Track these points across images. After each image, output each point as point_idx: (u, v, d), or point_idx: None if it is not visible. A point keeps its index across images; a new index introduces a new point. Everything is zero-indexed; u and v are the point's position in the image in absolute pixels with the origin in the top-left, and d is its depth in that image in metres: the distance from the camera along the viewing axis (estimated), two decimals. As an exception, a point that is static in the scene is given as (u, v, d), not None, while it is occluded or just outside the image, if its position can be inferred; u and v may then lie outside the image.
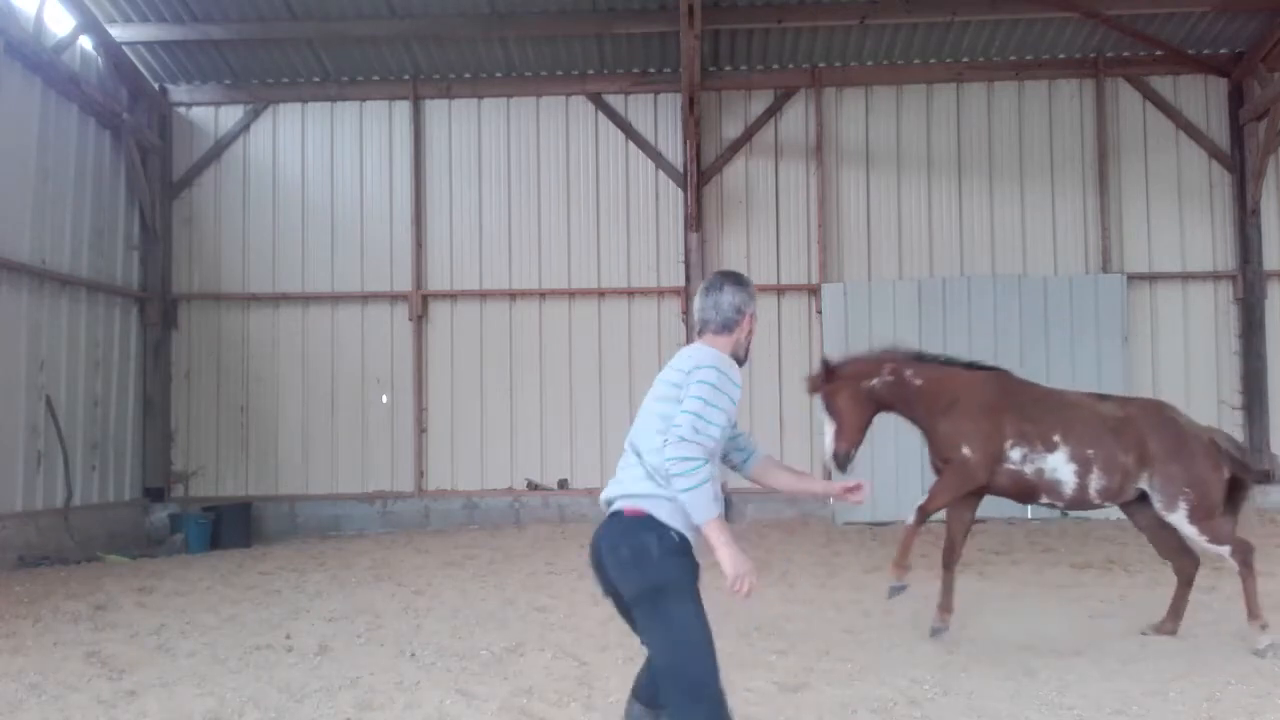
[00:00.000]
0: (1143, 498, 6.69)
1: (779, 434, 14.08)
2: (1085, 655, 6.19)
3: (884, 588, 8.36)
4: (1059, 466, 6.60)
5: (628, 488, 3.47)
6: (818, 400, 6.79)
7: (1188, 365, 13.87)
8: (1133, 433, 6.64)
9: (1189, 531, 6.55)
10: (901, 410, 6.96)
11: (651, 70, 14.38)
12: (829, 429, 6.70)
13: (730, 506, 13.76)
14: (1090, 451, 6.58)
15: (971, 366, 7.10)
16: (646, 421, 3.51)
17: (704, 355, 3.51)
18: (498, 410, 14.25)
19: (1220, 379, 13.86)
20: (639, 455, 3.48)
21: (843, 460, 6.55)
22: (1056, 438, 6.62)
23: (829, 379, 6.78)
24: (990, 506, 13.32)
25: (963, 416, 6.73)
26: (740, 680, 5.69)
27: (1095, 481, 6.59)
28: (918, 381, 6.84)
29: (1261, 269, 13.78)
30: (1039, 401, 6.89)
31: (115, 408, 13.51)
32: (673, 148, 14.36)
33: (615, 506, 3.49)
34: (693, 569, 3.42)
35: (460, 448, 14.23)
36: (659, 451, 3.34)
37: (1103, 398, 7.19)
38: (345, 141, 14.64)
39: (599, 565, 3.50)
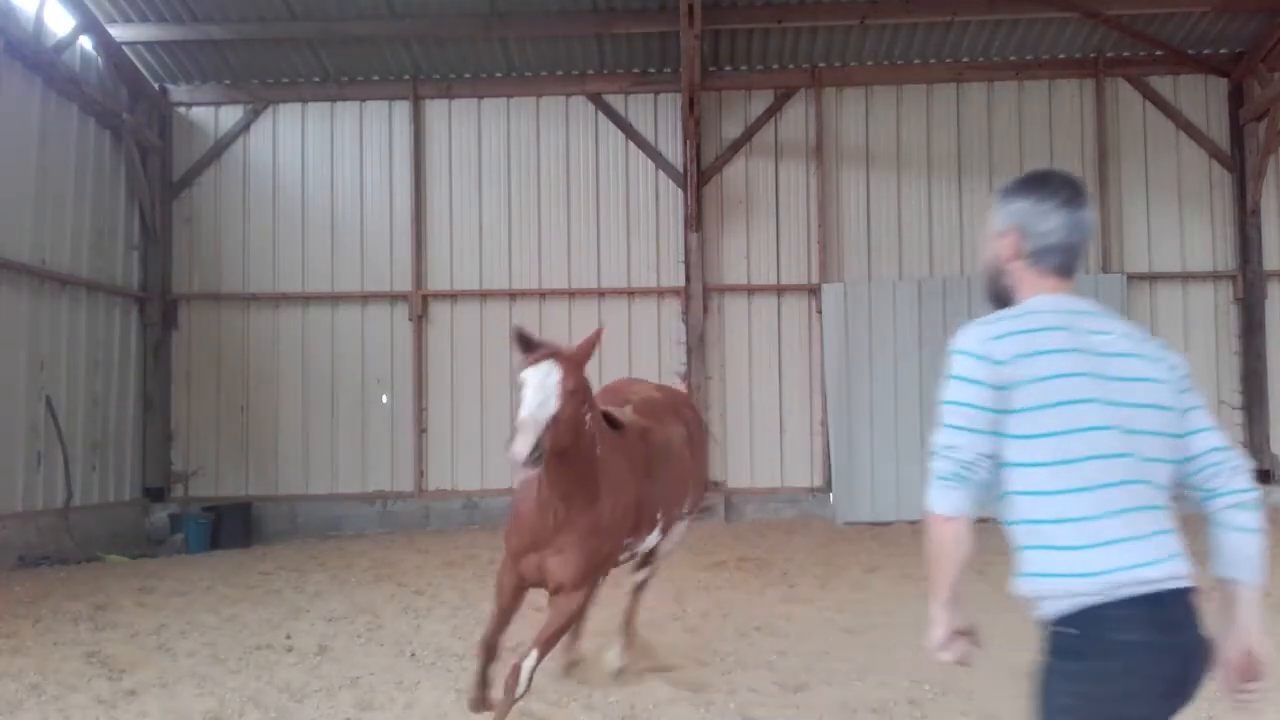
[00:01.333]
0: None
1: (779, 437, 14.09)
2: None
3: (882, 589, 8.36)
4: (649, 540, 5.55)
5: (1177, 545, 2.26)
6: (546, 369, 4.55)
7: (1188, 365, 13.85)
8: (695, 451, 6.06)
9: (665, 543, 5.92)
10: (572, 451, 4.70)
11: (651, 70, 14.37)
12: (547, 406, 4.46)
13: (730, 508, 13.77)
14: (673, 513, 5.71)
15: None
16: (1162, 422, 2.31)
17: (1147, 335, 2.44)
18: (498, 410, 14.22)
19: (1220, 379, 13.86)
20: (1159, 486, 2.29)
21: (537, 456, 4.36)
22: (659, 515, 5.45)
23: (588, 353, 4.78)
24: (990, 506, 13.39)
25: (612, 495, 4.95)
26: (741, 680, 5.69)
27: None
28: (588, 416, 4.80)
29: (1261, 269, 13.78)
30: (658, 462, 5.45)
31: (115, 408, 13.51)
32: (673, 148, 14.35)
33: (1173, 583, 2.22)
34: None
35: (460, 448, 14.22)
36: (1226, 488, 2.33)
37: (676, 411, 6.04)
38: (345, 141, 14.63)
39: (1186, 680, 2.25)
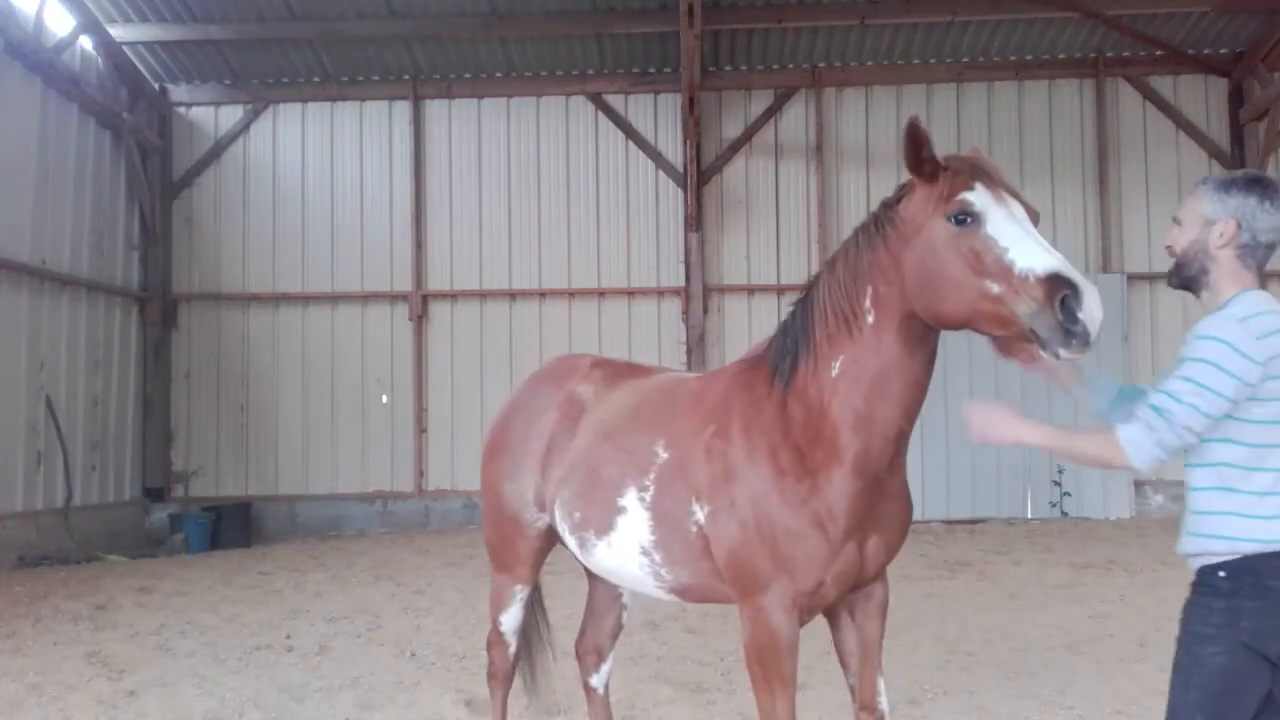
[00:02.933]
0: None
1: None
2: (1085, 655, 6.19)
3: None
4: None
5: None
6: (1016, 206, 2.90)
7: (1188, 365, 13.85)
8: None
9: None
10: None
11: (651, 70, 14.37)
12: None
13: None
14: None
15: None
16: None
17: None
18: (498, 410, 14.22)
19: (1220, 379, 13.85)
20: None
21: None
22: None
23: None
24: (990, 506, 13.38)
25: None
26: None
27: None
28: None
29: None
30: None
31: (115, 408, 13.51)
32: (673, 148, 14.35)
33: None
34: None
35: (460, 448, 14.21)
36: None
37: None
38: (345, 141, 14.63)
39: None
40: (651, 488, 3.41)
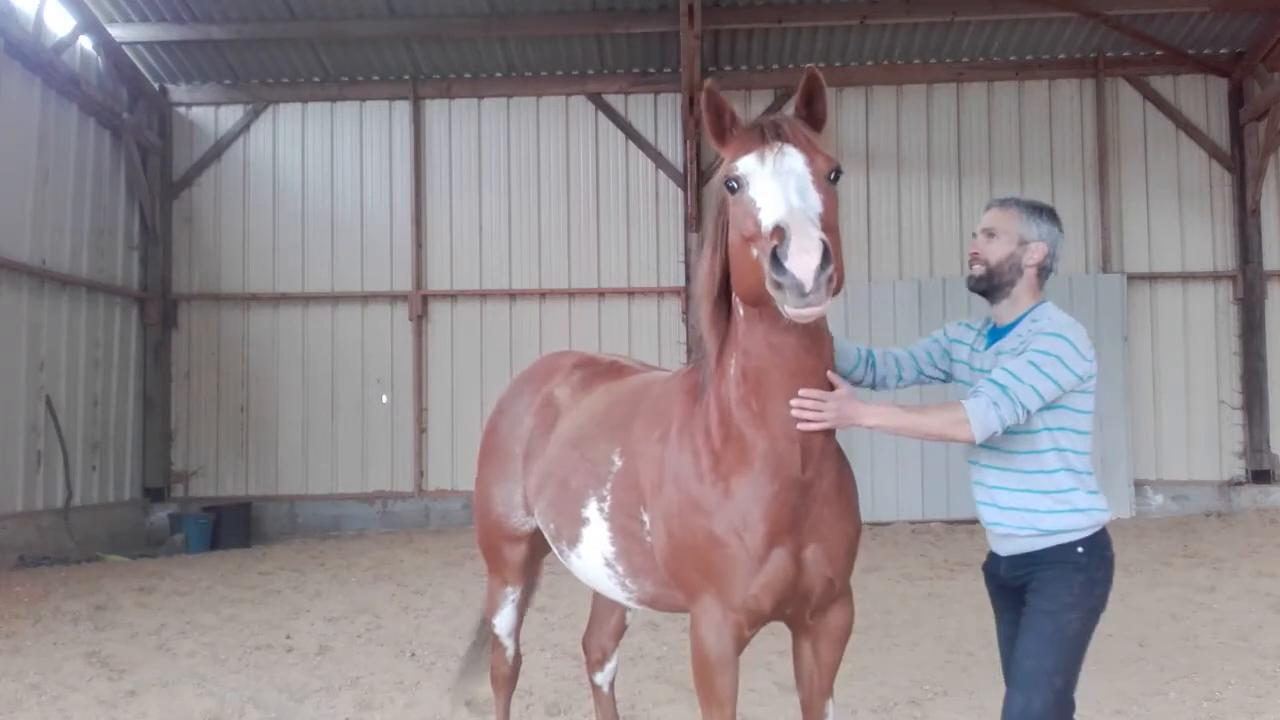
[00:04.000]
0: None
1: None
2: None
3: (881, 589, 8.39)
4: None
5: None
6: (790, 155, 2.65)
7: (1188, 365, 13.86)
8: None
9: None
10: None
11: (651, 70, 14.37)
12: (811, 200, 2.59)
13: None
14: None
15: None
16: None
17: None
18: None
19: (1220, 379, 13.85)
20: None
21: (828, 281, 2.53)
22: None
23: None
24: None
25: None
26: (741, 680, 5.69)
27: None
28: None
29: (1261, 269, 13.77)
30: None
31: (115, 408, 13.51)
32: (673, 148, 14.35)
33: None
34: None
35: (460, 448, 14.21)
36: None
37: None
38: (345, 141, 14.63)
39: None
40: (609, 497, 3.28)
